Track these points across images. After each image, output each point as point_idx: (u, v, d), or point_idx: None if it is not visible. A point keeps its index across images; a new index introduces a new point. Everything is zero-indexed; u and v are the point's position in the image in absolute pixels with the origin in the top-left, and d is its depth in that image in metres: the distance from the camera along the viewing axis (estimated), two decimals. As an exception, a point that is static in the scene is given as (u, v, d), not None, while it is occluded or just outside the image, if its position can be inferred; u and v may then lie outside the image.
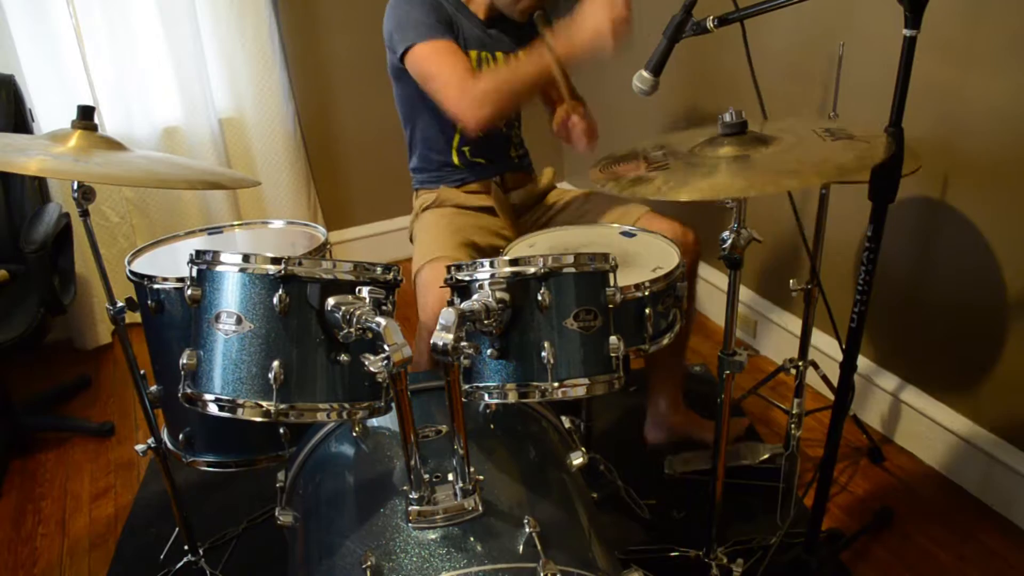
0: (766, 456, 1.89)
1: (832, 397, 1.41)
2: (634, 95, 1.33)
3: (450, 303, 1.10)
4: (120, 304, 1.41)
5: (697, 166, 1.15)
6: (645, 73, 1.29)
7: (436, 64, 1.63)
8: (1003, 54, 1.56)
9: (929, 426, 1.92)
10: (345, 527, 1.06)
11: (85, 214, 1.34)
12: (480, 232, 1.82)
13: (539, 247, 1.57)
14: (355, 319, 0.97)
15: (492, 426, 1.26)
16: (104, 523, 1.94)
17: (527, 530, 0.98)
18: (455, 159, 1.87)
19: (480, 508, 1.02)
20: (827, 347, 2.12)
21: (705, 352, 2.51)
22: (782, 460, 1.82)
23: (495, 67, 1.72)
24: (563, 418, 1.35)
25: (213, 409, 1.01)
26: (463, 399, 1.07)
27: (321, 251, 1.48)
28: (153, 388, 1.43)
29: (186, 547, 1.65)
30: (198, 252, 1.04)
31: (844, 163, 1.08)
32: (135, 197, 2.77)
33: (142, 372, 1.46)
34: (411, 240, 1.97)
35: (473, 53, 1.75)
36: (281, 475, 1.28)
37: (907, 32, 1.04)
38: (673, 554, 1.63)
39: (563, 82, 1.59)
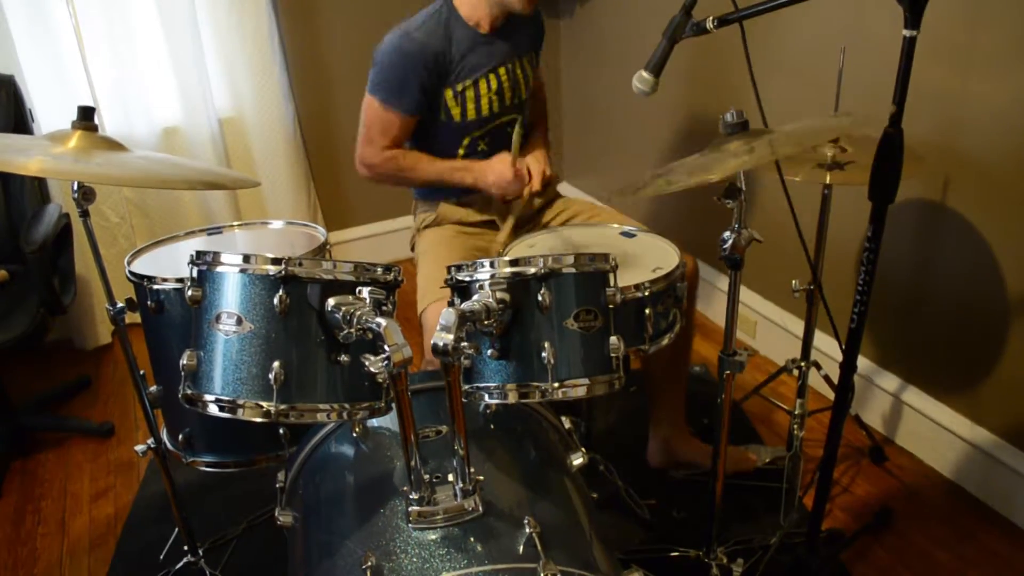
0: (769, 459, 1.89)
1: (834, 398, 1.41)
2: (635, 95, 1.33)
3: (450, 303, 1.10)
4: (120, 304, 1.41)
5: (704, 164, 1.16)
6: (645, 73, 1.29)
7: (371, 122, 1.78)
8: (1004, 56, 1.56)
9: (930, 427, 1.92)
10: (345, 527, 1.06)
11: (85, 214, 1.34)
12: (486, 255, 1.82)
13: (539, 247, 1.57)
14: (355, 319, 0.97)
15: (492, 426, 1.26)
16: (104, 523, 1.94)
17: (527, 530, 0.98)
18: None
19: (480, 508, 1.02)
20: (828, 347, 2.12)
21: (705, 352, 2.51)
22: (785, 461, 1.83)
23: (407, 153, 1.83)
24: (563, 418, 1.35)
25: (213, 409, 1.01)
26: (463, 399, 1.07)
27: (321, 251, 1.48)
28: (153, 388, 1.43)
29: (186, 547, 1.65)
30: (198, 253, 1.04)
31: (840, 126, 1.08)
32: (135, 197, 2.77)
33: (142, 372, 1.46)
34: (412, 249, 1.96)
35: (468, 83, 1.75)
36: (281, 475, 1.28)
37: (907, 32, 1.04)
38: (673, 554, 1.63)
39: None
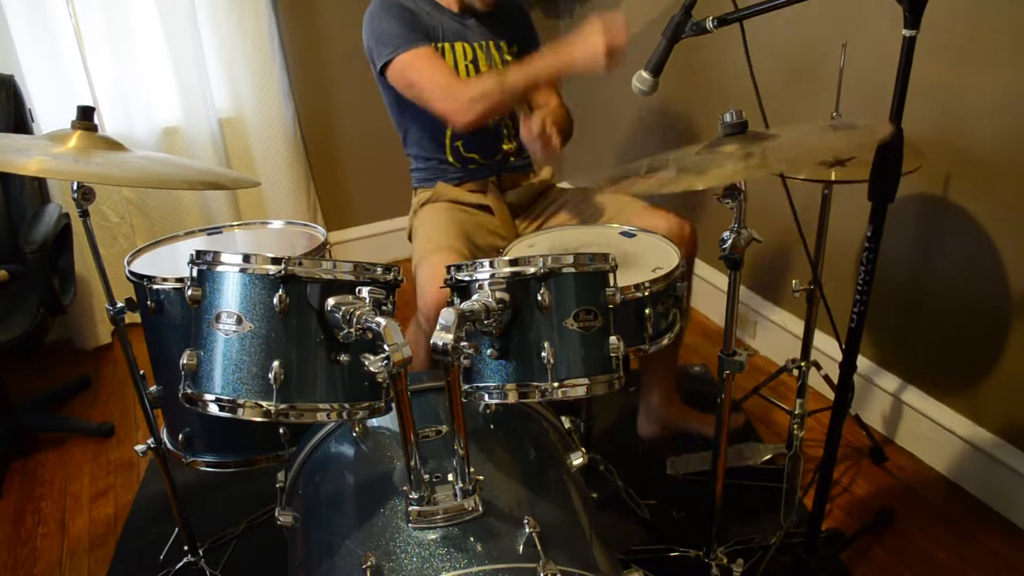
0: (768, 457, 1.89)
1: (834, 398, 1.41)
2: (635, 95, 1.33)
3: (450, 303, 1.10)
4: (120, 304, 1.41)
5: (697, 164, 1.16)
6: (644, 73, 1.29)
7: (418, 71, 1.69)
8: (1004, 53, 1.56)
9: (930, 427, 1.92)
10: (345, 527, 1.06)
11: (85, 214, 1.34)
12: (479, 231, 1.83)
13: (539, 247, 1.57)
14: (355, 319, 0.97)
15: (492, 426, 1.26)
16: (104, 523, 1.94)
17: (527, 530, 0.98)
18: (450, 157, 1.88)
19: (480, 508, 1.02)
20: (828, 347, 2.12)
21: (705, 352, 2.51)
22: (784, 460, 1.83)
23: (484, 73, 1.76)
24: (563, 418, 1.35)
25: (213, 409, 1.01)
26: (463, 399, 1.07)
27: (321, 251, 1.48)
28: (153, 388, 1.43)
29: (186, 547, 1.65)
30: (198, 252, 1.04)
31: (839, 147, 1.08)
32: (135, 197, 2.77)
33: (142, 372, 1.46)
34: (409, 238, 1.96)
35: (447, 45, 1.78)
36: (281, 475, 1.28)
37: (906, 32, 1.04)
38: (673, 554, 1.63)
39: (551, 88, 1.62)
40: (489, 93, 1.62)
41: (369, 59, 1.79)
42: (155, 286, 1.32)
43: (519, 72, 1.62)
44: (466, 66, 1.81)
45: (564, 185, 2.08)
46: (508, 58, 1.89)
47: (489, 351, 1.08)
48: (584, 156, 3.27)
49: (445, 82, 1.66)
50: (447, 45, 1.79)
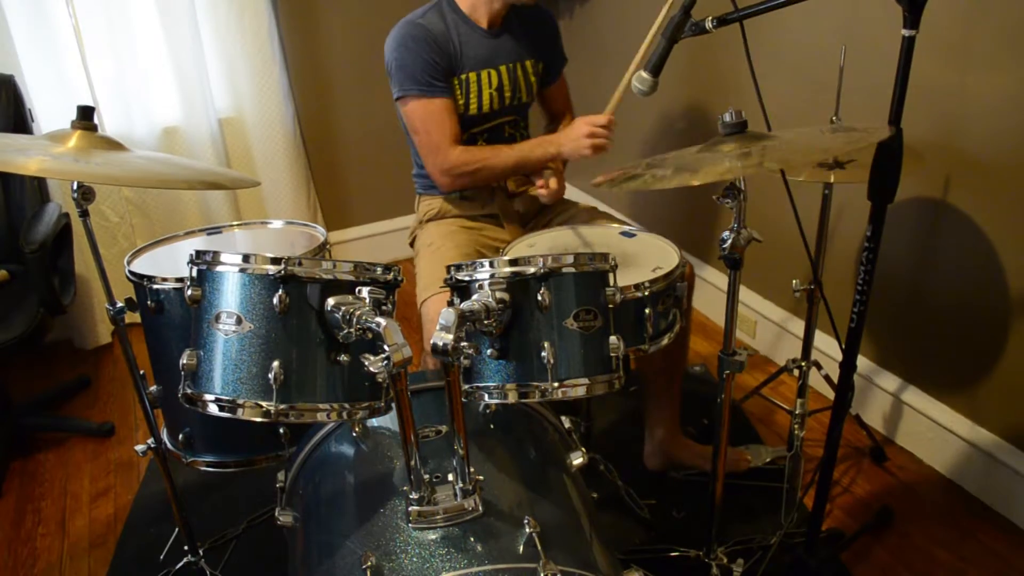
0: (769, 459, 1.89)
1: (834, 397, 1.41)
2: (635, 97, 1.33)
3: (450, 303, 1.10)
4: (120, 304, 1.41)
5: (695, 162, 1.16)
6: (644, 74, 1.29)
7: (423, 123, 1.75)
8: (1003, 53, 1.56)
9: (930, 426, 1.92)
10: (345, 527, 1.06)
11: (85, 214, 1.34)
12: (485, 250, 1.83)
13: (539, 247, 1.57)
14: (355, 319, 0.97)
15: (492, 426, 1.26)
16: (104, 523, 1.94)
17: (527, 530, 0.98)
18: None
19: (480, 508, 1.02)
20: (828, 347, 2.12)
21: (705, 352, 2.51)
22: (785, 461, 1.83)
23: (480, 147, 1.81)
24: (563, 418, 1.35)
25: (213, 409, 1.01)
26: (463, 399, 1.07)
27: (320, 251, 1.48)
28: (153, 388, 1.44)
29: (186, 547, 1.65)
30: (198, 252, 1.04)
31: (836, 148, 1.08)
32: (135, 197, 2.77)
33: (142, 372, 1.46)
34: (411, 244, 1.96)
35: (472, 75, 1.76)
36: (281, 475, 1.28)
37: (906, 32, 1.04)
38: (673, 554, 1.63)
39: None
40: (473, 170, 1.75)
41: (388, 72, 1.77)
42: (155, 286, 1.32)
43: (509, 154, 1.75)
44: (491, 95, 1.78)
45: (568, 192, 2.07)
46: (533, 79, 1.87)
47: (489, 351, 1.08)
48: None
49: (440, 146, 1.74)
50: (472, 75, 1.75)
